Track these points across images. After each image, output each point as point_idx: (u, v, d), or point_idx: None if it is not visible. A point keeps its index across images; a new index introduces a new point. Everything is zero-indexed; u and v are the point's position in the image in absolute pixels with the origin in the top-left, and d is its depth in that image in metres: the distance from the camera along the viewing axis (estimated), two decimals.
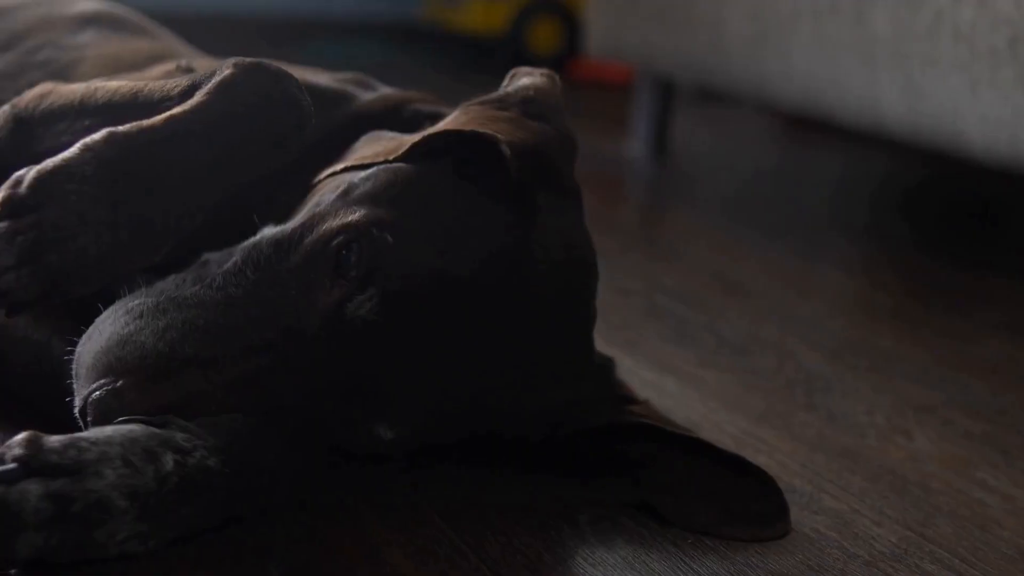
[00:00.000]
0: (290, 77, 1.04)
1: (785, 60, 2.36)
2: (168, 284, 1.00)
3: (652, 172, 2.84)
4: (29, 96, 1.15)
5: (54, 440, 0.86)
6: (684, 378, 1.42)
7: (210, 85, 1.02)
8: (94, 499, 0.84)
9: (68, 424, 0.97)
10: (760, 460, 1.13)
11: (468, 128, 1.03)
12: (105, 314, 0.97)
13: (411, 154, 1.04)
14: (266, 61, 1.05)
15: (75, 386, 0.95)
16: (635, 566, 0.97)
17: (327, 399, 0.96)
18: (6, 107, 1.17)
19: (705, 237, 2.27)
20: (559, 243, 1.03)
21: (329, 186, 1.05)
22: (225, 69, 1.03)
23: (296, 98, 1.04)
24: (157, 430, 0.89)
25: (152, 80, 1.12)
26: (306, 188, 1.09)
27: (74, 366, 0.96)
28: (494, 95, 1.14)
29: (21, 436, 0.85)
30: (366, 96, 1.23)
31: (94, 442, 0.86)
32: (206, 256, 1.03)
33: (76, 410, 0.94)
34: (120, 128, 0.98)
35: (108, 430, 0.88)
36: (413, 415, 0.98)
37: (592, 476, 1.08)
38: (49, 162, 0.96)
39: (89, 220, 0.95)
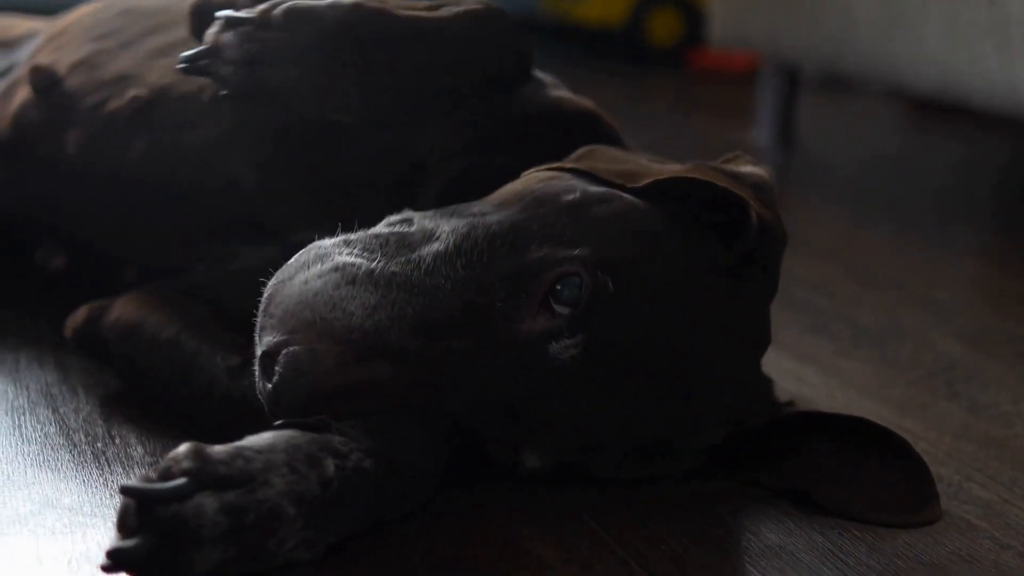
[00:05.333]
0: (522, 29, 1.18)
1: (917, 44, 2.32)
2: (372, 241, 0.98)
3: (779, 160, 2.81)
4: None
5: (219, 450, 0.84)
6: (824, 368, 1.40)
7: (456, 8, 1.14)
8: (266, 509, 0.82)
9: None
10: None
11: (721, 184, 1.02)
12: (308, 256, 0.96)
13: (650, 189, 1.02)
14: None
15: (261, 320, 0.93)
16: (781, 556, 0.96)
17: (493, 416, 0.95)
18: None
19: (834, 225, 2.25)
20: (753, 320, 1.06)
21: (555, 186, 1.03)
22: (471, 4, 1.16)
23: (523, 42, 1.18)
24: (315, 435, 0.88)
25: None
26: (505, 171, 1.09)
27: (264, 300, 0.94)
28: (727, 168, 1.11)
29: (185, 448, 0.83)
30: (553, 92, 1.25)
31: (258, 450, 0.85)
32: (409, 214, 1.03)
33: (258, 349, 0.92)
34: (369, 2, 1.10)
35: (267, 436, 0.87)
36: (566, 451, 0.98)
37: (737, 466, 1.07)
38: (303, 2, 1.09)
39: (303, 62, 1.07)
